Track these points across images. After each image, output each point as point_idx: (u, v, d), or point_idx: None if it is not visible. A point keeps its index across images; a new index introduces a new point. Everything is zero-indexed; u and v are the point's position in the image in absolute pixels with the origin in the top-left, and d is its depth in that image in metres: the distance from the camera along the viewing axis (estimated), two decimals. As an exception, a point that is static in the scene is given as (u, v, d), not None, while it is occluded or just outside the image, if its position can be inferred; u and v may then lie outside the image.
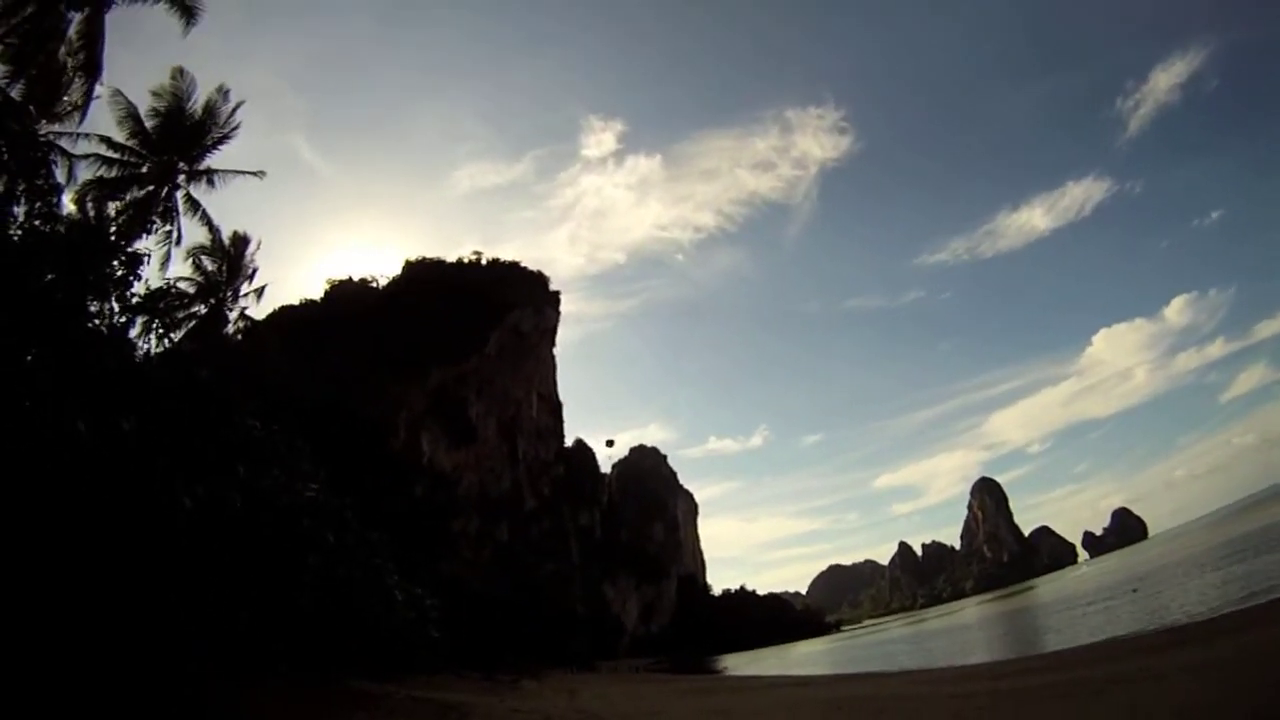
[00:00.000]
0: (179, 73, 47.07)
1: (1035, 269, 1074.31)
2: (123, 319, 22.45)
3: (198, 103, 47.70)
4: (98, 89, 41.81)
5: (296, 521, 18.79)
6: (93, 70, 40.25)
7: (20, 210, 20.55)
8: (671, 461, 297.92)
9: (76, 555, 14.19)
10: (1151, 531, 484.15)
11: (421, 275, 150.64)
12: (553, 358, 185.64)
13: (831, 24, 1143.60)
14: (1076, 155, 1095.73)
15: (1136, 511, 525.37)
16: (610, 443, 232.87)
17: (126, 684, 16.71)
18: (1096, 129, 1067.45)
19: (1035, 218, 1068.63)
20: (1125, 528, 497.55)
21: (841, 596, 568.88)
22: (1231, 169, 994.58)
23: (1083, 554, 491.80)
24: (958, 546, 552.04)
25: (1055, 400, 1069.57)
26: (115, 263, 21.69)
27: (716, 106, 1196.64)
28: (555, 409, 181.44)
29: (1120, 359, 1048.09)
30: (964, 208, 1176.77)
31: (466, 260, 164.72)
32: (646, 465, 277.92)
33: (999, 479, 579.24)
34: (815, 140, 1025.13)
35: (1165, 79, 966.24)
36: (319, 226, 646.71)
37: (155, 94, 46.83)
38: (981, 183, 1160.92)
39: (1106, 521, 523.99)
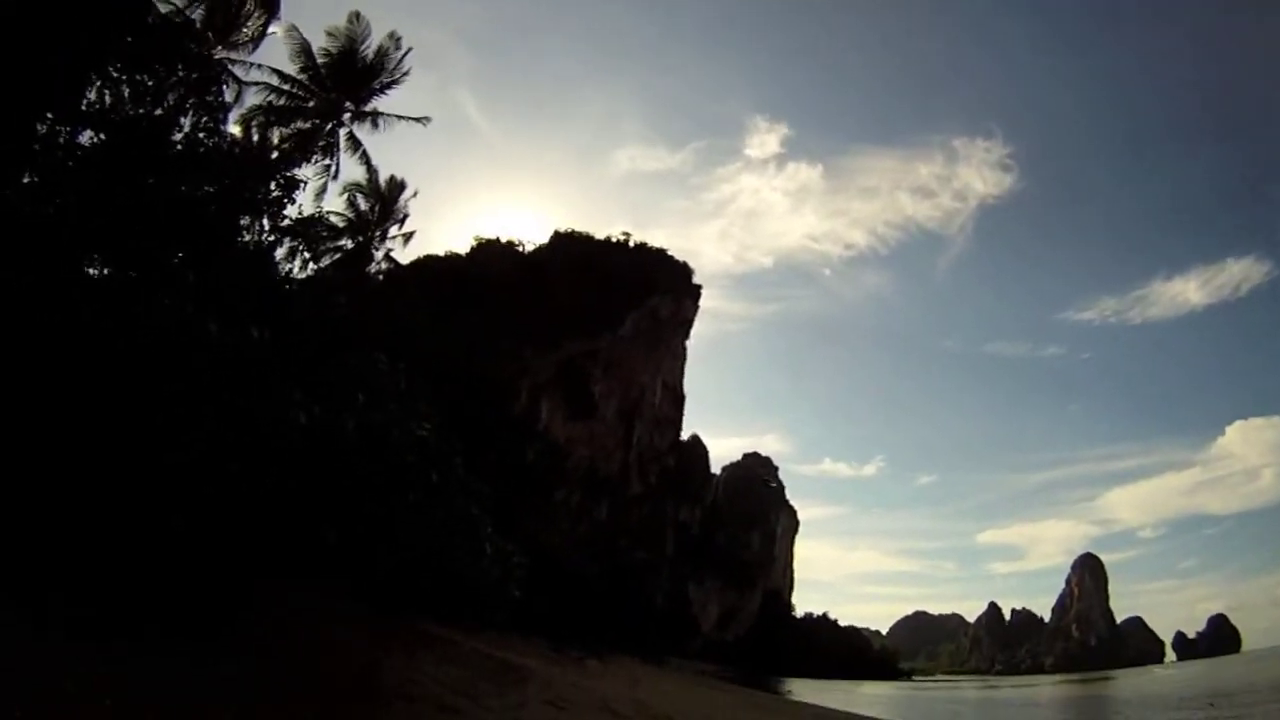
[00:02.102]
0: (355, 16, 48.38)
1: (1181, 344, 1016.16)
2: (272, 239, 23.27)
3: (370, 46, 49.00)
4: (274, 25, 43.56)
5: (403, 456, 19.12)
6: (271, 4, 41.78)
7: (187, 122, 21.38)
8: (782, 475, 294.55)
9: (187, 450, 14.71)
10: (1245, 645, 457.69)
11: (568, 247, 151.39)
12: (684, 350, 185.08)
13: (1010, 58, 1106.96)
14: (1241, 232, 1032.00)
15: (1235, 621, 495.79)
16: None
17: (214, 582, 17.37)
18: (1266, 206, 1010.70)
19: (1190, 290, 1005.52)
20: (1219, 636, 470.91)
21: (921, 644, 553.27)
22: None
23: (1170, 654, 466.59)
24: (1047, 618, 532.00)
25: (1177, 486, 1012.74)
26: (272, 185, 22.49)
27: (884, 125, 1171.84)
28: (678, 401, 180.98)
29: (1252, 455, 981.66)
30: (1119, 268, 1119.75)
31: (615, 240, 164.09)
32: (756, 473, 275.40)
33: (1104, 558, 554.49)
34: (979, 173, 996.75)
35: None
36: (473, 184, 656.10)
37: (330, 34, 48.27)
38: (1140, 245, 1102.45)
39: (1201, 625, 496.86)
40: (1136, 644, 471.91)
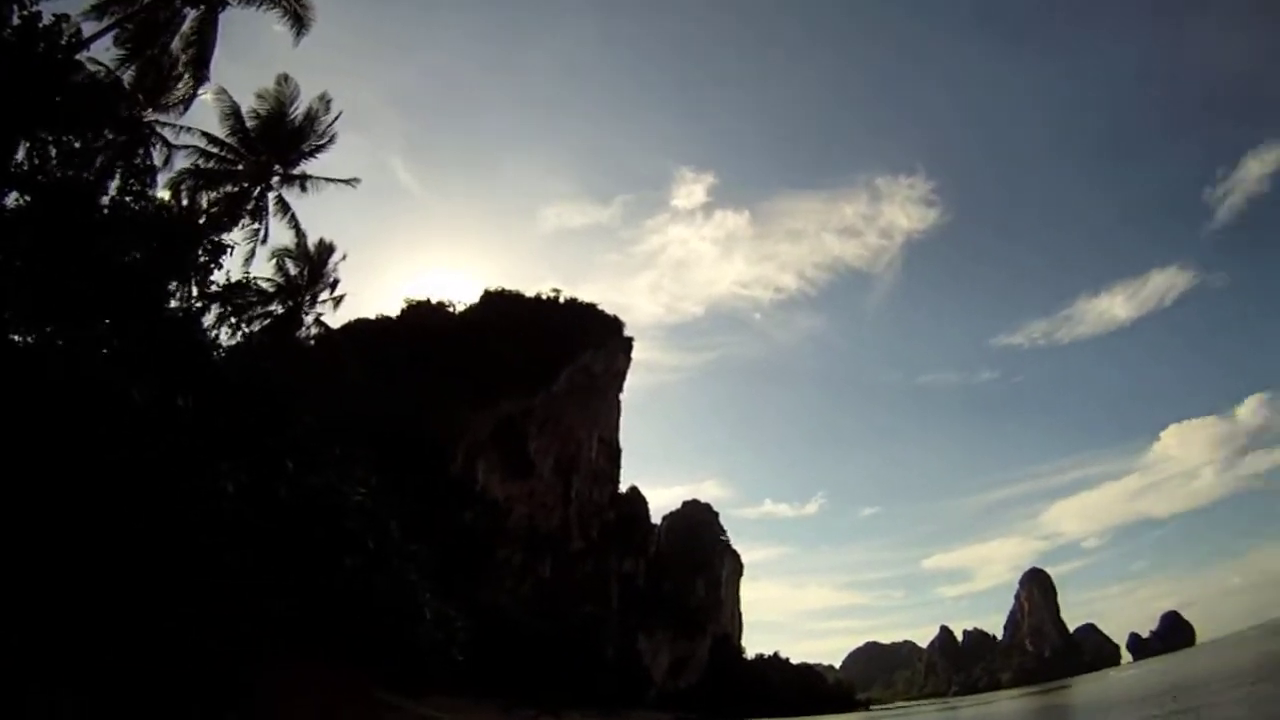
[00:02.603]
0: (284, 79, 47.97)
1: (1111, 358, 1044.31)
2: (199, 305, 22.89)
3: (299, 109, 48.56)
4: (204, 86, 43.24)
5: (339, 522, 18.79)
6: (201, 67, 41.54)
7: (114, 185, 21.08)
8: (724, 520, 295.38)
9: (112, 521, 14.32)
10: (1200, 638, 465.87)
11: (499, 306, 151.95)
12: (619, 403, 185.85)
13: (926, 96, 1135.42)
14: (1161, 243, 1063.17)
15: (1187, 616, 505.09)
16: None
17: (162, 658, 16.82)
18: (1184, 216, 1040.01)
19: (1116, 305, 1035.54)
20: (1173, 632, 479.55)
21: (876, 675, 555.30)
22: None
23: (1126, 655, 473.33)
24: (1000, 636, 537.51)
25: (1118, 495, 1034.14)
26: (200, 250, 22.17)
27: (808, 168, 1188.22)
28: (614, 454, 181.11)
29: (1188, 456, 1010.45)
30: (1045, 290, 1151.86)
31: (545, 296, 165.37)
32: (697, 520, 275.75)
33: (1051, 571, 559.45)
34: (903, 210, 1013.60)
35: (1258, 167, 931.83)
36: (404, 245, 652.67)
37: (259, 96, 47.81)
38: (1064, 266, 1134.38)
39: (1155, 624, 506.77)
40: (1092, 650, 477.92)
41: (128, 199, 20.77)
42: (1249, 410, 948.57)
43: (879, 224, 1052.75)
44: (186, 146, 44.80)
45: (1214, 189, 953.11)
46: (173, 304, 21.76)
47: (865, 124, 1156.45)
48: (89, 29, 36.68)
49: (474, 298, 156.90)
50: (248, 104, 47.66)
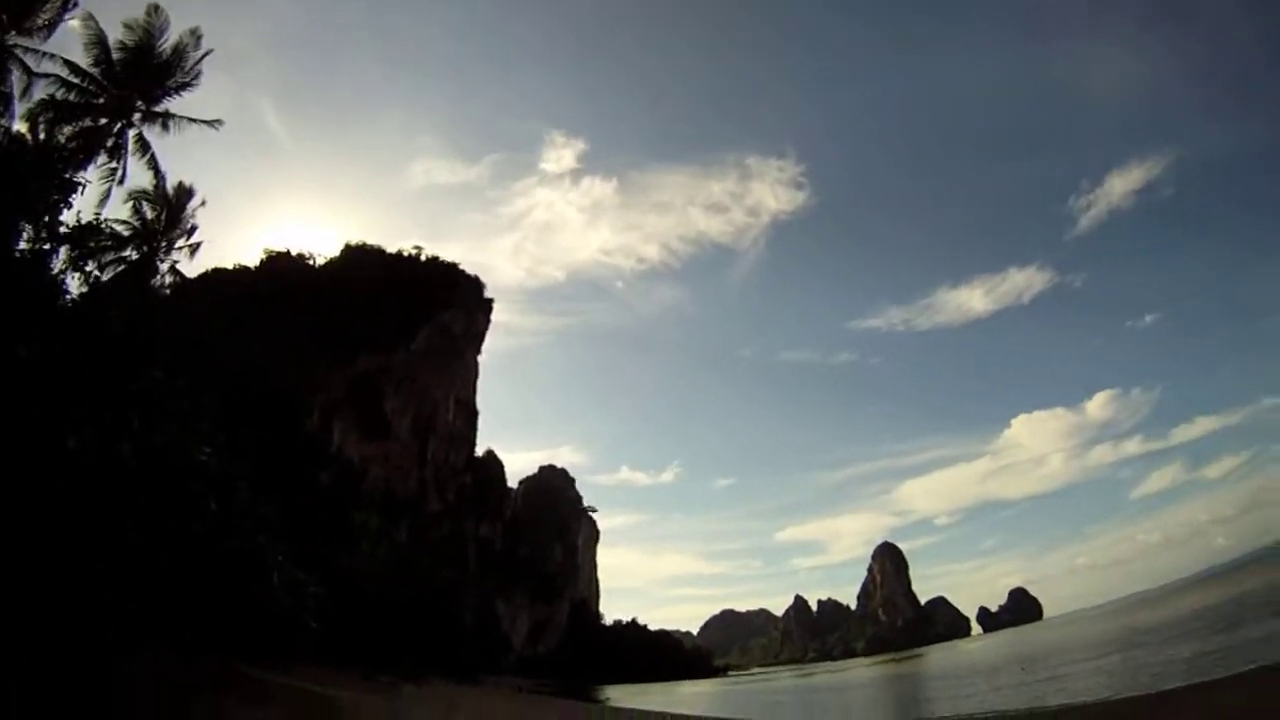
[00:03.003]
0: (154, 9, 46.19)
1: (967, 348, 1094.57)
2: (46, 247, 21.55)
3: (168, 42, 46.92)
4: (72, 10, 41.01)
5: (184, 484, 17.87)
6: (70, -10, 39.45)
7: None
8: (580, 486, 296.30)
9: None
10: (1047, 614, 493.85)
11: (360, 260, 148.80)
12: (477, 364, 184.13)
13: (804, 79, 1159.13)
14: (1023, 244, 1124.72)
15: (1035, 594, 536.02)
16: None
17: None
18: (1047, 221, 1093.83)
19: (974, 298, 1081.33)
20: (1021, 607, 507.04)
21: (733, 642, 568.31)
22: (1171, 277, 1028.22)
23: (976, 628, 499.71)
24: (854, 606, 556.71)
25: (969, 476, 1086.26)
26: (51, 188, 20.84)
27: (680, 141, 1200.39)
28: (471, 416, 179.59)
29: (1037, 444, 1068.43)
30: (906, 278, 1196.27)
31: (407, 254, 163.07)
32: (554, 485, 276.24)
33: (903, 546, 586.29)
34: (771, 191, 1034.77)
35: (1121, 184, 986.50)
36: (267, 196, 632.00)
37: (127, 26, 45.92)
38: (927, 256, 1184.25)
39: (1004, 599, 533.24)
40: (943, 621, 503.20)
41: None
42: (1098, 405, 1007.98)
43: (746, 202, 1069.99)
44: (47, 75, 42.58)
45: (1079, 199, 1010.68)
46: (20, 245, 20.45)
47: (740, 103, 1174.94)
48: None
49: (336, 251, 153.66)
50: (115, 35, 45.59)
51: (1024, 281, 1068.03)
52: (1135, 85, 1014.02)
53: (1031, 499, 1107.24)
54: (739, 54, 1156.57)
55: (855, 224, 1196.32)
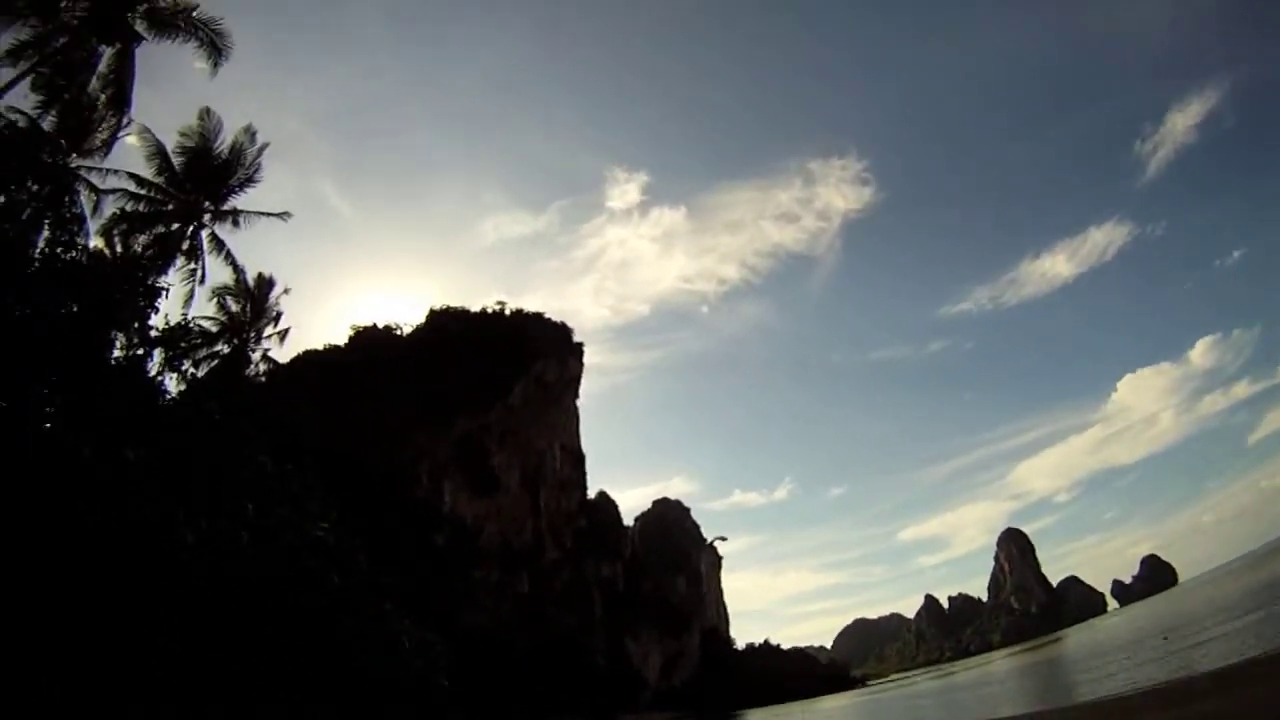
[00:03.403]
0: (206, 113, 47.44)
1: (1059, 316, 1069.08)
2: (140, 352, 22.24)
3: (224, 143, 48.03)
4: (126, 125, 42.40)
5: (300, 561, 18.23)
6: (122, 105, 40.94)
7: (42, 239, 20.43)
8: (695, 514, 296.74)
9: (70, 582, 13.76)
10: (1181, 578, 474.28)
11: (446, 324, 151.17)
12: (576, 409, 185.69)
13: (851, 76, 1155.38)
14: (1097, 200, 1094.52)
15: (1166, 558, 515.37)
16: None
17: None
18: (1116, 172, 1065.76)
19: (1059, 264, 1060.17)
20: (1155, 575, 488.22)
21: (867, 650, 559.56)
22: (1252, 206, 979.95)
23: (1112, 603, 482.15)
24: (985, 598, 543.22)
25: (1081, 448, 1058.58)
26: (136, 296, 21.51)
27: (740, 158, 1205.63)
28: (578, 460, 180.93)
29: (1146, 404, 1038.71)
30: (987, 256, 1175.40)
31: (490, 310, 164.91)
32: (670, 518, 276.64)
33: (1026, 529, 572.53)
34: (838, 191, 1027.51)
35: (1182, 120, 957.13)
36: (344, 273, 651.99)
37: (183, 133, 47.20)
38: (1004, 231, 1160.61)
39: (1135, 569, 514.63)
40: (1077, 601, 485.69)
41: (58, 250, 20.10)
42: (1200, 353, 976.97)
43: (815, 207, 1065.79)
44: (114, 190, 44.16)
45: (1143, 143, 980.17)
46: (115, 353, 21.15)
47: (792, 109, 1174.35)
48: (4, 76, 36.10)
49: (420, 318, 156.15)
50: (172, 141, 47.08)
51: (1104, 239, 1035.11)
52: (1171, 15, 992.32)
53: (1147, 461, 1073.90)
54: (779, 62, 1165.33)
55: (925, 210, 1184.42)
